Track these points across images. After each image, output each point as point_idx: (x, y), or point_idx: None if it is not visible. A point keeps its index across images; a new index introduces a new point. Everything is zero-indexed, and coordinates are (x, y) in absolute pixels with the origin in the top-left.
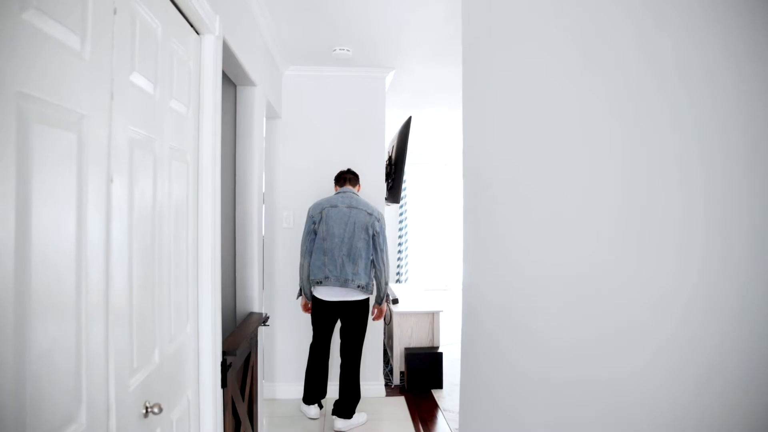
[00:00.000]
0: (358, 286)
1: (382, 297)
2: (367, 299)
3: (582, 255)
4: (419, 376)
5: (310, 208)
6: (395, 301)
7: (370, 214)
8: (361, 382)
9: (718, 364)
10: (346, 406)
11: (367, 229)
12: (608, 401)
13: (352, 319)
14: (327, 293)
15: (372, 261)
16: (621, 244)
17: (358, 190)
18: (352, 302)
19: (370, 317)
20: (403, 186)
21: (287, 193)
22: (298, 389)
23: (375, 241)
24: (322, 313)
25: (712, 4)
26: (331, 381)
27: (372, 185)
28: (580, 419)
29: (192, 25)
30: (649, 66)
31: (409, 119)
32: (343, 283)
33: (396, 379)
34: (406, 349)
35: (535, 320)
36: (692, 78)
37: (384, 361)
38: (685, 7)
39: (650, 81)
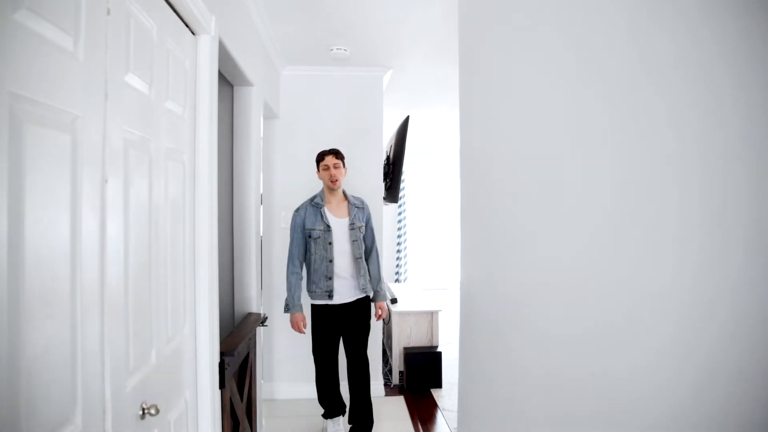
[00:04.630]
0: None
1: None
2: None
3: (580, 253)
4: (418, 376)
5: None
6: (394, 301)
7: None
8: None
9: (717, 359)
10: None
11: None
12: (607, 400)
13: None
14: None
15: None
16: (618, 241)
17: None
18: None
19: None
20: (402, 185)
21: (285, 194)
22: (296, 390)
23: None
24: None
25: (708, 1)
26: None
27: (370, 185)
28: (578, 418)
29: (187, 25)
30: (645, 63)
31: (407, 119)
32: None
33: (395, 379)
34: (405, 348)
35: (534, 319)
36: (688, 74)
37: (383, 360)
38: (681, 3)
39: (647, 78)
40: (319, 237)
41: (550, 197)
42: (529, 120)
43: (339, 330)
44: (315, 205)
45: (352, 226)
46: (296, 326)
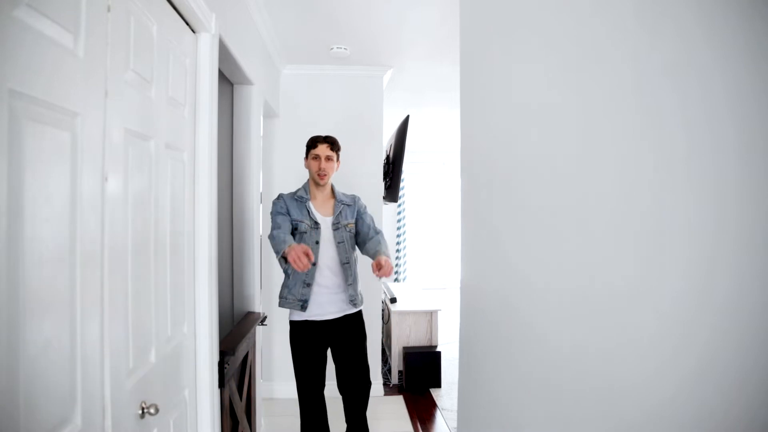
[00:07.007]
0: None
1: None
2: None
3: (580, 253)
4: (417, 376)
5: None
6: (393, 300)
7: None
8: None
9: (725, 371)
10: None
11: None
12: (607, 399)
13: None
14: None
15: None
16: (619, 242)
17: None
18: None
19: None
20: (402, 185)
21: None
22: (295, 389)
23: None
24: None
25: (702, 8)
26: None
27: (370, 184)
28: (578, 418)
29: (188, 24)
30: (649, 61)
31: (407, 118)
32: None
33: (394, 379)
34: (405, 348)
35: (534, 319)
36: (686, 78)
37: (382, 360)
38: (677, 10)
39: (650, 77)
40: (306, 232)
41: (550, 197)
42: (531, 119)
43: (326, 351)
44: (298, 198)
45: (336, 226)
46: (297, 257)
